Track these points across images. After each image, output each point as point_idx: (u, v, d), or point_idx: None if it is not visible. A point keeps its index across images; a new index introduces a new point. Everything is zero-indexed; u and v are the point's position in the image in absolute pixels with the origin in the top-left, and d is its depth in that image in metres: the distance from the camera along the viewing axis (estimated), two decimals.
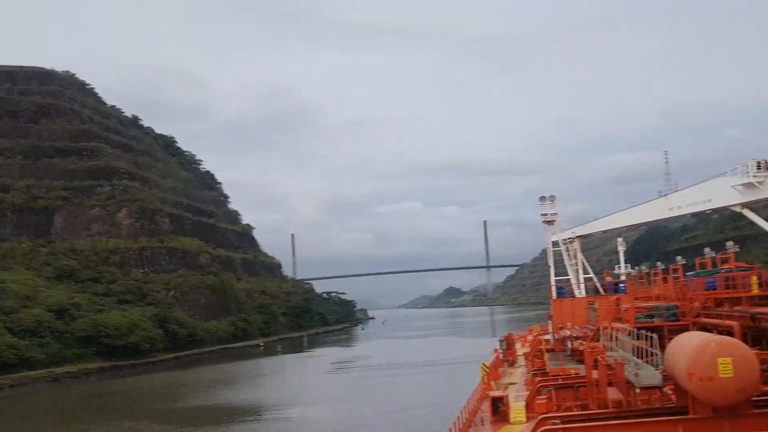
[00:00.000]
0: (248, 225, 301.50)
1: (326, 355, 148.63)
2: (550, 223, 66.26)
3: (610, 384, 30.18)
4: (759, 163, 49.14)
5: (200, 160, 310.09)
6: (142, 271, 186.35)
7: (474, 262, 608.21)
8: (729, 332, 33.52)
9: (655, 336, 30.24)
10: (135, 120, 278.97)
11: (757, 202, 56.33)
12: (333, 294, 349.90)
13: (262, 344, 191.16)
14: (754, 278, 40.23)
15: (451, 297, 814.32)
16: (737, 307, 38.70)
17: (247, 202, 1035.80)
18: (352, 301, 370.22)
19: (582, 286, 66.34)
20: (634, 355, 30.38)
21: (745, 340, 32.35)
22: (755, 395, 24.91)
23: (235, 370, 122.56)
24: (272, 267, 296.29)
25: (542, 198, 66.35)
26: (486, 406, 36.58)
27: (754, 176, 49.16)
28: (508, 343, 67.55)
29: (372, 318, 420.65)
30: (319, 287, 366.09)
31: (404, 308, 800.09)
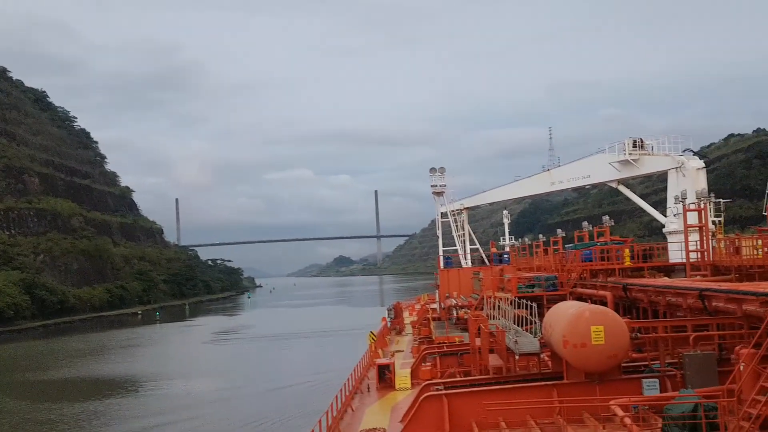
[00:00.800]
0: (127, 188, 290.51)
1: (208, 324, 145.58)
2: (439, 194, 67.79)
3: (491, 351, 31.71)
4: (634, 141, 52.34)
5: (74, 117, 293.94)
6: (7, 233, 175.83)
7: (364, 232, 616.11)
8: (603, 302, 35.88)
9: (534, 305, 31.91)
10: (2, 71, 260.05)
11: (633, 178, 60.08)
12: (219, 261, 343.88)
13: (140, 312, 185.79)
14: (627, 251, 43.20)
15: (341, 266, 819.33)
16: (611, 278, 41.44)
17: (128, 164, 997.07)
18: (239, 268, 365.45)
19: (468, 256, 68.53)
20: (515, 323, 31.95)
21: (617, 310, 34.80)
22: (624, 361, 26.98)
23: (108, 340, 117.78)
24: (153, 232, 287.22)
25: (432, 169, 67.69)
26: (372, 373, 37.44)
27: (630, 154, 52.37)
28: (396, 312, 69.10)
29: (259, 286, 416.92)
30: (206, 254, 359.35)
31: (293, 277, 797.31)
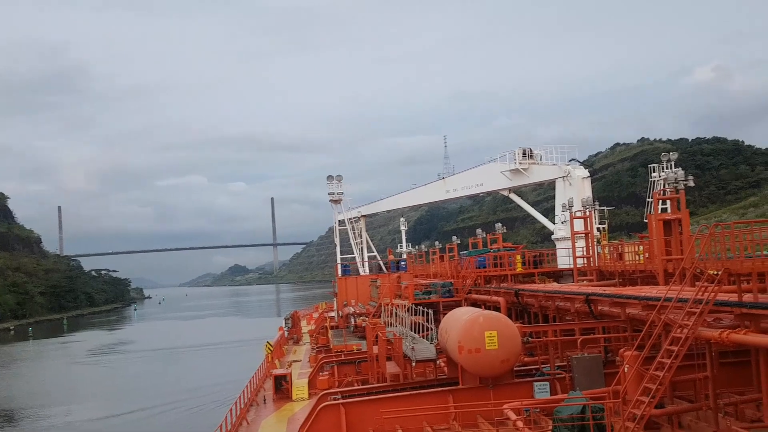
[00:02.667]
0: (1, 194, 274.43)
1: (86, 339, 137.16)
2: (336, 202, 68.12)
3: (389, 359, 32.17)
4: (524, 151, 54.61)
5: None
6: None
7: (260, 240, 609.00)
8: (496, 307, 37.15)
9: (430, 311, 32.64)
10: None
11: (523, 186, 62.45)
12: (103, 272, 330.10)
13: (12, 328, 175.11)
14: (519, 257, 44.96)
15: (236, 275, 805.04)
16: (504, 284, 42.97)
17: (6, 170, 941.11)
18: (125, 279, 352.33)
19: (366, 264, 69.10)
20: (412, 330, 32.56)
21: (510, 315, 36.14)
22: (517, 365, 28.08)
23: None
24: (30, 241, 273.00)
25: (329, 177, 67.97)
26: (269, 384, 37.16)
27: (520, 163, 54.64)
28: (293, 321, 68.72)
29: (148, 297, 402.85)
30: (92, 264, 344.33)
31: (186, 287, 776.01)
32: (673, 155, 45.41)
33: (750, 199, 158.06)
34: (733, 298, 19.08)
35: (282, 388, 35.54)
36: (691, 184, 33.52)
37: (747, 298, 18.68)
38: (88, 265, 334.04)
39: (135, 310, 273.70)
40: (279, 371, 38.64)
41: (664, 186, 35.47)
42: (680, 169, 37.32)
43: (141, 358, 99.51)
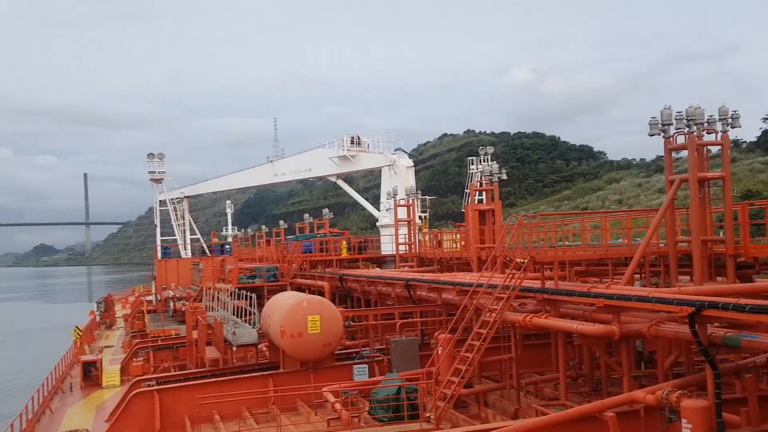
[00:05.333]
0: None
1: None
2: (157, 181, 65.90)
3: (209, 343, 31.87)
4: (353, 138, 55.99)
5: None
6: None
7: (71, 218, 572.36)
8: (321, 292, 37.91)
9: (254, 296, 32.67)
10: None
11: (351, 173, 63.86)
12: None
13: None
14: (344, 243, 46.11)
15: (43, 255, 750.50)
16: (329, 269, 43.85)
17: None
18: None
19: (188, 246, 67.51)
20: (234, 314, 32.42)
21: (334, 299, 37.02)
22: (338, 349, 28.90)
23: None
24: None
25: (150, 155, 65.55)
26: (77, 371, 35.51)
27: (348, 150, 55.89)
28: (106, 305, 65.74)
29: None
30: None
31: None
32: (490, 149, 48.43)
33: (565, 192, 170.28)
34: (537, 284, 20.89)
35: (91, 374, 34.08)
36: (504, 177, 36.00)
37: (549, 285, 20.53)
38: None
39: None
40: (88, 357, 37.04)
41: (480, 178, 37.78)
42: (495, 163, 39.94)
43: None
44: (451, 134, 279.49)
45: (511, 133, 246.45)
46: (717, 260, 20.04)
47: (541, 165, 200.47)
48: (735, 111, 19.50)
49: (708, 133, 19.59)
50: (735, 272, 19.62)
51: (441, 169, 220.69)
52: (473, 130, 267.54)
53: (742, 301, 14.08)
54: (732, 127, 19.49)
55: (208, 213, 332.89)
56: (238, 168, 71.35)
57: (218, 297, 36.41)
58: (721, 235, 20.37)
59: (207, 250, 66.61)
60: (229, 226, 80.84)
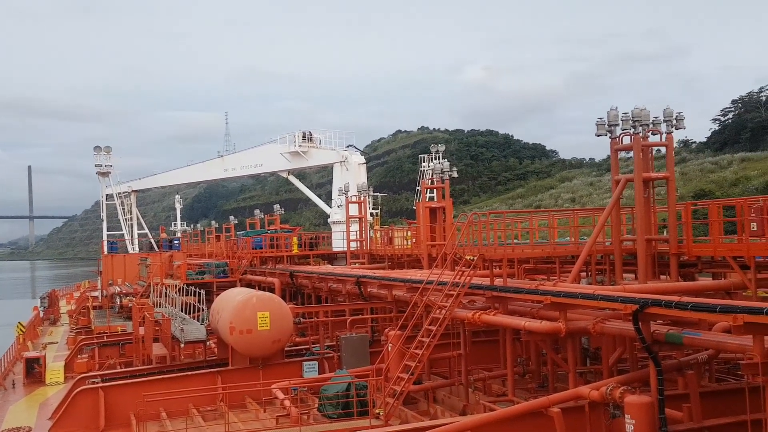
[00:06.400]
0: None
1: None
2: (104, 174, 64.83)
3: (156, 340, 31.42)
4: (304, 134, 55.82)
5: None
6: None
7: (13, 212, 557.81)
8: (271, 288, 37.69)
9: (202, 292, 32.35)
10: None
11: (303, 169, 63.64)
12: None
13: None
14: (295, 239, 45.96)
15: None
16: (279, 265, 43.65)
17: None
18: None
19: (136, 241, 66.53)
20: (182, 311, 32.05)
21: (284, 296, 36.89)
22: (288, 345, 28.79)
23: None
24: None
25: (97, 147, 64.42)
26: (19, 368, 34.68)
27: (300, 146, 55.69)
28: (51, 301, 64.30)
29: None
30: None
31: None
32: (442, 147, 48.87)
33: (518, 190, 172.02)
34: (487, 282, 21.13)
35: (34, 371, 33.26)
36: (455, 175, 36.24)
37: (498, 282, 20.79)
38: None
39: None
40: (31, 354, 36.10)
41: (432, 176, 38.04)
42: (446, 160, 40.24)
43: None
44: (406, 131, 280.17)
45: (465, 131, 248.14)
46: (661, 259, 20.56)
47: (495, 163, 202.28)
48: (680, 113, 20.02)
49: (653, 134, 20.10)
50: (678, 271, 20.16)
51: (395, 165, 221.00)
52: (427, 127, 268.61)
53: (685, 299, 14.50)
54: (676, 129, 20.01)
55: (157, 207, 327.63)
56: (189, 162, 70.57)
57: (166, 293, 35.93)
58: (665, 234, 20.88)
59: (155, 246, 65.67)
60: (179, 221, 79.79)
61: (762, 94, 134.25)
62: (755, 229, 17.39)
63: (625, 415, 14.76)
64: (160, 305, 35.37)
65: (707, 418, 16.19)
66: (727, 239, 19.88)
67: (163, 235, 70.61)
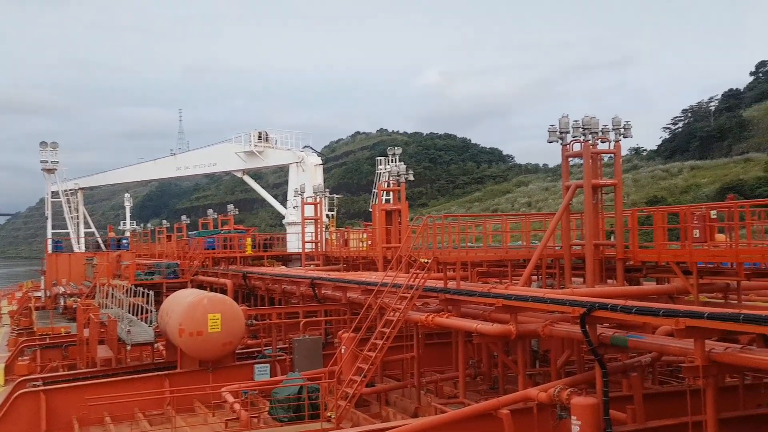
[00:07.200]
0: None
1: None
2: (50, 171, 63.83)
3: (101, 342, 31.08)
4: (260, 134, 55.73)
5: None
6: None
7: None
8: (223, 290, 37.59)
9: (151, 293, 32.11)
10: None
11: (258, 169, 63.52)
12: None
13: None
14: (249, 240, 45.86)
15: None
16: (232, 266, 43.52)
17: None
18: None
19: (82, 240, 65.58)
20: (130, 312, 31.75)
21: (237, 297, 36.81)
22: (240, 348, 28.79)
23: None
24: None
25: (43, 143, 63.41)
26: None
27: (255, 146, 55.60)
28: None
29: None
30: None
31: None
32: (398, 150, 49.25)
33: (475, 194, 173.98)
34: (440, 284, 21.53)
35: None
36: (412, 178, 36.67)
37: (451, 285, 21.20)
38: None
39: None
40: None
41: (388, 178, 38.39)
42: (402, 163, 40.70)
43: None
44: (365, 132, 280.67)
45: (424, 134, 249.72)
46: (608, 263, 21.20)
47: (453, 166, 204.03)
48: (627, 121, 20.75)
49: (602, 141, 20.76)
50: (624, 275, 20.84)
51: (353, 167, 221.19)
52: (386, 129, 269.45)
53: (630, 303, 15.05)
54: (624, 137, 20.71)
55: (106, 206, 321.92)
56: (140, 160, 69.84)
57: (113, 294, 35.54)
58: (612, 239, 21.55)
59: (102, 245, 64.82)
60: (128, 220, 78.79)
61: (711, 104, 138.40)
62: (698, 235, 18.13)
63: (572, 417, 15.24)
64: (106, 306, 34.97)
65: (650, 419, 16.77)
66: (672, 245, 20.63)
67: (111, 234, 69.67)
